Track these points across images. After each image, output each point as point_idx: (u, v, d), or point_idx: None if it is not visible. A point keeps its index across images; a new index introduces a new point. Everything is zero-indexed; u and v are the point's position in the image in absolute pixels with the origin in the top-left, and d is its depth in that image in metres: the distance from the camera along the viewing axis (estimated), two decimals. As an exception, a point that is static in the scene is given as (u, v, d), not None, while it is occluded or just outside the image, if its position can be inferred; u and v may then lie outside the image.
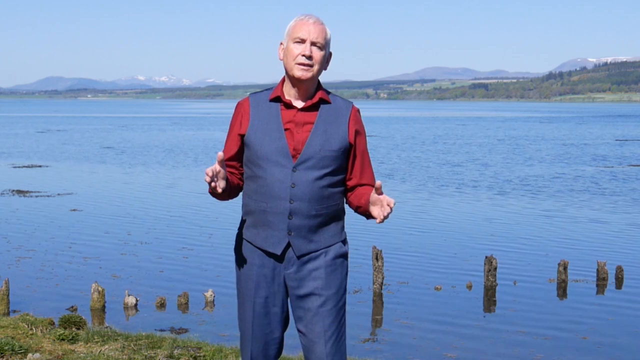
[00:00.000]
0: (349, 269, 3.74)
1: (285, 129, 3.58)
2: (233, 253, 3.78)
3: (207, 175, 3.44)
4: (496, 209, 18.65)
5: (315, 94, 3.64)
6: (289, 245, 3.59)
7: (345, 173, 3.68)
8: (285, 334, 3.77)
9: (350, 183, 3.69)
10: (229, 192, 3.63)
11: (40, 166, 29.44)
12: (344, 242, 3.71)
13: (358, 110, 3.72)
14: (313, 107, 3.62)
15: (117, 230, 15.16)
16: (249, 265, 3.67)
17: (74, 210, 17.72)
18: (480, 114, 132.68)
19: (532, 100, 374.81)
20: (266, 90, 3.72)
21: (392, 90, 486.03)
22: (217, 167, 3.47)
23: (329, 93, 3.70)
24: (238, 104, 3.73)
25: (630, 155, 36.82)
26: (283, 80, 3.68)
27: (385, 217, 3.46)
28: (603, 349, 8.40)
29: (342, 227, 3.72)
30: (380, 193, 3.46)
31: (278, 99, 3.64)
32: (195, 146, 42.05)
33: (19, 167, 29.14)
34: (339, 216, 3.69)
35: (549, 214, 17.87)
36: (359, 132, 3.68)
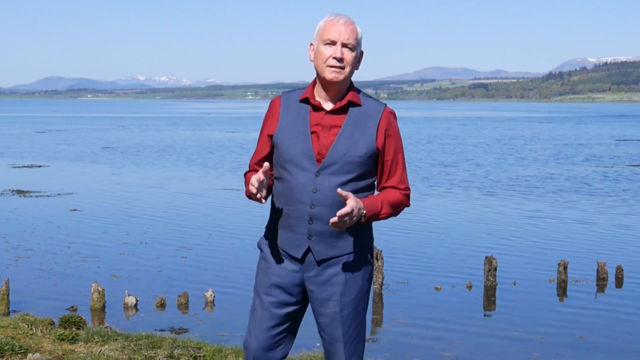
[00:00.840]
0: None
1: (312, 132, 3.51)
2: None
3: (253, 186, 3.41)
4: (496, 209, 18.64)
5: (345, 96, 3.55)
6: (309, 249, 3.55)
7: (374, 178, 3.60)
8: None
9: (379, 189, 3.62)
10: (267, 197, 3.60)
11: (40, 166, 29.43)
12: (369, 248, 3.65)
13: (392, 113, 3.59)
14: (342, 110, 3.54)
15: (116, 230, 15.15)
16: (268, 264, 3.64)
17: (74, 210, 17.71)
18: (480, 114, 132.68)
19: (532, 100, 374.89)
20: (299, 89, 3.65)
21: (392, 90, 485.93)
22: (262, 176, 3.42)
23: (361, 94, 3.60)
24: (271, 102, 3.67)
25: (630, 155, 36.82)
26: (315, 81, 3.60)
27: (335, 223, 3.38)
28: (603, 349, 8.39)
29: (367, 234, 3.64)
30: (346, 198, 3.38)
31: (307, 101, 3.57)
32: (190, 146, 42.05)
33: (18, 167, 29.14)
34: (364, 223, 3.57)
35: (549, 214, 17.86)
36: (390, 136, 3.56)
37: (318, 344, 3.73)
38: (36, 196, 20.13)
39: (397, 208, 3.60)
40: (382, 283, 10.56)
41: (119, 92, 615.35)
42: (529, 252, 13.41)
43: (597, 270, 11.39)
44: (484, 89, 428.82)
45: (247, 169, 3.78)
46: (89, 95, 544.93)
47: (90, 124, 77.31)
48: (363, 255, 3.60)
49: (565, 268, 11.23)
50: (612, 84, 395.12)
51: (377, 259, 10.43)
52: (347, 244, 3.55)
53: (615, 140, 49.50)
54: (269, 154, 3.64)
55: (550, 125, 76.09)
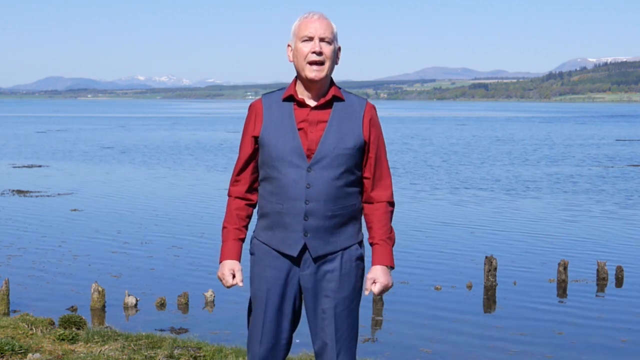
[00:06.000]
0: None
1: (299, 129, 3.54)
2: (248, 254, 3.75)
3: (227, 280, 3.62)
4: (496, 209, 18.64)
5: (328, 91, 3.60)
6: (305, 246, 3.56)
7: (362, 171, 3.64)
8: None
9: (366, 183, 3.64)
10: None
11: (40, 166, 29.43)
12: (361, 244, 3.67)
13: (373, 107, 3.66)
14: (326, 105, 3.58)
15: (116, 230, 15.15)
16: (263, 267, 3.63)
17: (74, 210, 17.71)
18: (479, 114, 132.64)
19: (532, 100, 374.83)
20: (279, 90, 3.67)
21: (392, 90, 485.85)
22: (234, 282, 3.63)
23: (342, 90, 3.65)
24: (251, 105, 3.68)
25: (630, 155, 36.81)
26: (295, 81, 3.63)
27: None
28: (603, 349, 8.40)
29: (359, 229, 3.66)
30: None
31: (291, 98, 3.59)
32: (186, 145, 42.05)
33: (18, 167, 29.14)
34: (355, 217, 3.63)
35: (549, 214, 17.86)
36: (374, 129, 3.61)
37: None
38: (37, 196, 20.13)
39: (391, 228, 3.70)
40: (382, 283, 10.54)
41: (119, 92, 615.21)
42: (529, 252, 13.41)
43: (597, 270, 11.38)
44: (484, 89, 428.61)
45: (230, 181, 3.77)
46: (89, 95, 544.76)
47: (90, 123, 77.30)
48: (357, 252, 3.64)
49: (565, 268, 11.23)
50: (612, 84, 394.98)
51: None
52: (341, 239, 3.59)
53: (616, 140, 49.51)
54: (252, 155, 3.64)
55: (551, 126, 76.07)
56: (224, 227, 3.69)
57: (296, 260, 3.59)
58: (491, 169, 29.18)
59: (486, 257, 11.01)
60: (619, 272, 11.45)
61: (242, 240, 3.69)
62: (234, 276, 3.62)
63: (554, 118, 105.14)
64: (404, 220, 16.46)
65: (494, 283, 10.90)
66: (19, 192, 20.91)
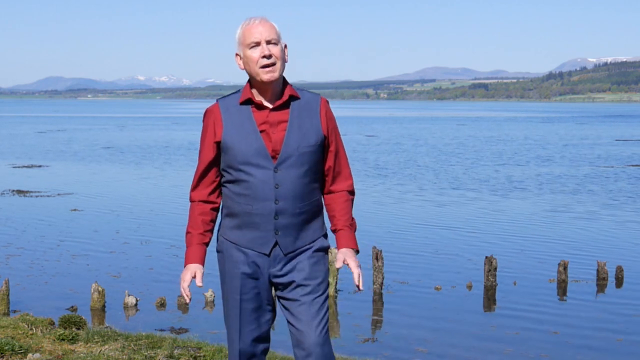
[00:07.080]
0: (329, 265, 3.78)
1: (261, 131, 3.60)
2: (213, 258, 3.81)
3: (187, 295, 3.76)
4: (496, 209, 18.65)
5: (283, 91, 3.66)
6: (276, 243, 3.64)
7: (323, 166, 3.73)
8: (279, 331, 3.80)
9: (327, 175, 3.73)
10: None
11: (40, 166, 29.45)
12: (325, 236, 3.76)
13: (327, 101, 3.74)
14: (284, 105, 3.64)
15: (115, 230, 15.15)
16: (234, 264, 3.70)
17: (74, 210, 17.71)
18: (479, 114, 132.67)
19: (532, 100, 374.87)
20: (233, 93, 3.72)
21: (392, 90, 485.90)
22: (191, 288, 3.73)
23: (296, 88, 3.72)
24: (207, 111, 3.71)
25: (630, 155, 36.81)
26: (248, 85, 3.68)
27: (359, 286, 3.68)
28: (603, 349, 8.40)
29: (323, 222, 3.77)
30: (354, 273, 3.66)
31: (249, 102, 3.64)
32: (182, 145, 42.09)
33: (18, 167, 29.15)
34: (319, 211, 3.74)
35: (549, 214, 17.86)
36: (331, 123, 3.71)
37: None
38: (37, 196, 20.14)
39: (352, 217, 3.79)
40: (382, 283, 10.55)
41: (119, 92, 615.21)
42: (529, 252, 13.41)
43: (597, 270, 11.39)
44: (484, 89, 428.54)
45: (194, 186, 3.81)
46: (89, 95, 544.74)
47: (90, 124, 77.31)
48: (323, 243, 3.72)
49: (565, 268, 11.23)
50: (612, 84, 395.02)
51: (377, 259, 10.44)
52: (309, 234, 3.68)
53: (616, 140, 49.52)
54: (215, 161, 3.67)
55: (551, 126, 76.08)
56: (187, 232, 3.77)
57: (267, 256, 3.66)
58: (491, 169, 29.18)
59: (486, 257, 11.01)
60: (619, 272, 11.45)
61: (207, 244, 3.78)
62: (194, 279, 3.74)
63: (553, 118, 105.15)
64: (404, 220, 16.46)
65: (494, 283, 10.90)
66: (19, 192, 20.92)
